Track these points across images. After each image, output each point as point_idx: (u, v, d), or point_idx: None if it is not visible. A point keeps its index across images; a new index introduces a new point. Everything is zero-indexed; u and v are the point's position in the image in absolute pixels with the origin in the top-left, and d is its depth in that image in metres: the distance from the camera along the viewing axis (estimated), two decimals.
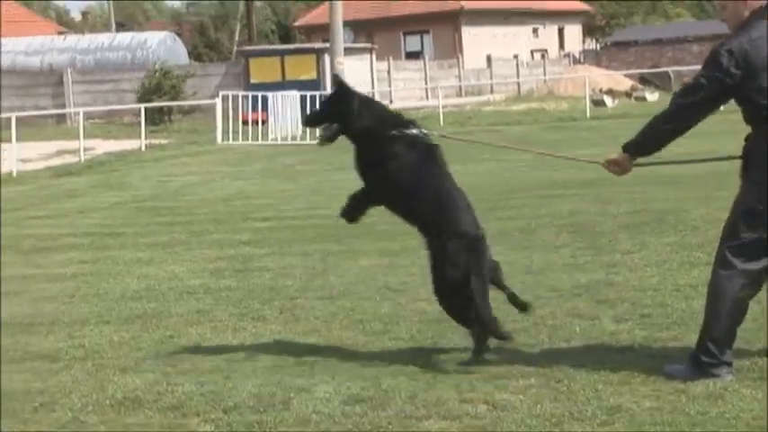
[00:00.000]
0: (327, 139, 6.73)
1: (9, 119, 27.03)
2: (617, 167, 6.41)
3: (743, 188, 5.94)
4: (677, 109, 6.05)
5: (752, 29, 5.85)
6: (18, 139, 25.28)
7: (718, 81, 5.83)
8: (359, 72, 41.86)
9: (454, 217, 6.46)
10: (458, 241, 6.35)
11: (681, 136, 6.09)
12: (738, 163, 6.01)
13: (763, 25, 5.84)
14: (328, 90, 36.93)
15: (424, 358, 6.52)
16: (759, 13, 5.89)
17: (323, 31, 45.89)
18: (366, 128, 6.59)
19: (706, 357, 5.80)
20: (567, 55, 63.53)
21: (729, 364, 5.81)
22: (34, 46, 50.10)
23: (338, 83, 6.94)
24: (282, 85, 38.17)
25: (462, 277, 6.28)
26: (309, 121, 7.16)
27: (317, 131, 6.89)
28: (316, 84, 38.85)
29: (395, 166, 6.54)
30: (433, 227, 6.47)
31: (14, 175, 23.66)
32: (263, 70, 41.73)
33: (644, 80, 52.20)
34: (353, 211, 6.78)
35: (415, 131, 6.63)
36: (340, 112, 6.65)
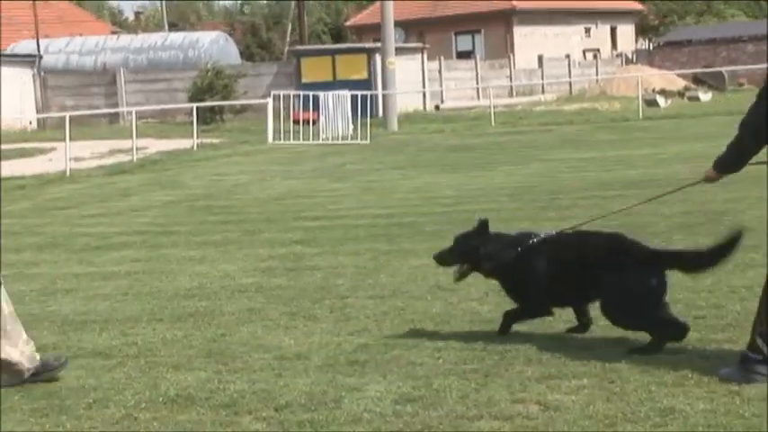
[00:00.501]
0: (462, 277, 7.25)
1: (63, 118, 27.29)
2: (711, 180, 6.69)
3: None
4: (747, 132, 6.09)
5: None
6: (71, 138, 25.49)
7: None
8: (410, 72, 41.92)
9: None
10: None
11: (759, 151, 6.16)
12: None
13: None
14: (380, 90, 37.05)
15: (475, 358, 6.51)
16: None
17: (374, 30, 45.90)
18: (495, 263, 7.02)
19: (754, 354, 5.78)
20: (620, 55, 63.18)
21: None
22: (88, 46, 50.52)
23: (482, 225, 7.17)
24: (333, 84, 38.29)
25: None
26: (440, 260, 7.34)
27: None
28: (367, 83, 38.97)
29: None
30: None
31: (68, 173, 23.86)
32: (314, 70, 41.87)
33: (697, 80, 51.86)
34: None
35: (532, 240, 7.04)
36: (470, 253, 7.11)
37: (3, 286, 6.74)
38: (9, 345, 6.52)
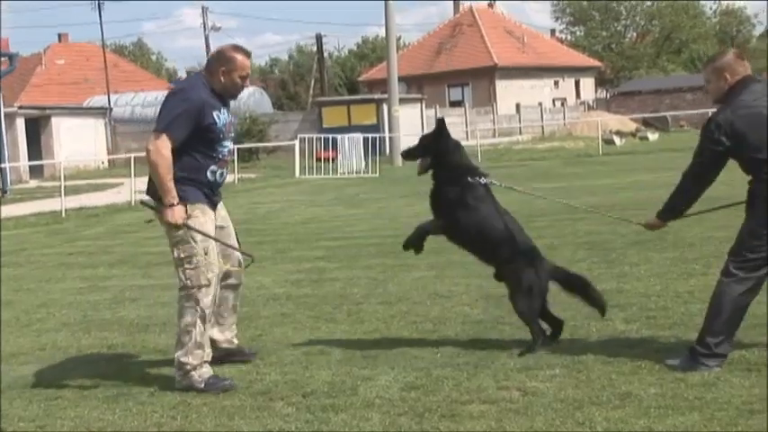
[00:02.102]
0: (424, 170, 6.78)
1: (129, 158, 27.34)
2: (653, 228, 6.63)
3: (748, 219, 5.94)
4: (690, 178, 6.09)
5: (733, 102, 5.84)
6: (136, 175, 25.55)
7: (711, 150, 5.84)
8: (411, 118, 41.96)
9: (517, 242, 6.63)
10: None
11: (701, 195, 6.12)
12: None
13: (744, 96, 5.83)
14: (387, 133, 37.12)
15: (467, 353, 6.48)
16: (738, 88, 5.87)
17: (382, 84, 46.04)
18: (453, 168, 6.64)
19: (702, 349, 5.74)
20: (583, 102, 63.31)
21: (720, 356, 5.75)
22: (149, 99, 50.70)
23: (439, 124, 6.82)
24: (349, 128, 38.35)
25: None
26: (407, 154, 7.00)
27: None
28: (376, 128, 39.04)
29: (471, 208, 6.57)
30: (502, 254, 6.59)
31: (133, 203, 23.89)
32: (333, 117, 42.02)
33: (646, 123, 51.89)
34: (419, 241, 6.71)
35: (485, 181, 6.69)
36: (435, 149, 6.71)
37: (240, 288, 6.78)
38: (219, 329, 6.56)
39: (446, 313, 7.83)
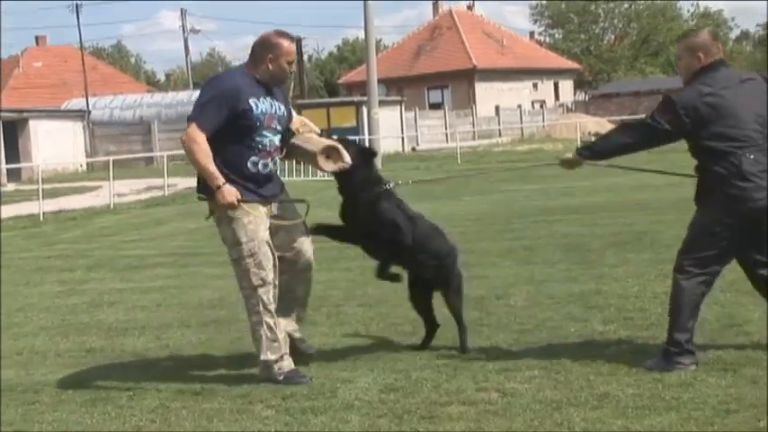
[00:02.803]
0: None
1: (107, 161, 27.25)
2: (570, 164, 6.49)
3: (699, 214, 5.89)
4: (630, 134, 6.08)
5: (702, 82, 5.78)
6: (114, 178, 25.47)
7: (665, 128, 5.80)
8: (391, 120, 42.00)
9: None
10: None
11: (623, 154, 6.13)
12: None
13: (713, 81, 5.76)
14: (366, 135, 37.15)
15: (445, 355, 6.49)
16: (709, 69, 5.81)
17: (361, 86, 46.03)
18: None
19: (674, 348, 5.77)
20: (562, 105, 63.56)
21: (693, 353, 5.78)
22: (128, 102, 50.63)
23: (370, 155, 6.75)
24: (329, 131, 38.31)
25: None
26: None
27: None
28: (356, 130, 39.13)
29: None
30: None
31: (112, 206, 23.81)
32: (313, 119, 41.41)
33: None
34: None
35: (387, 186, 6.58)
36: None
37: (309, 274, 6.54)
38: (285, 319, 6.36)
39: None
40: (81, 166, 42.67)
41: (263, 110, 6.04)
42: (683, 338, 5.77)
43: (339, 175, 6.39)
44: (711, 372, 5.63)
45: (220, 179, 5.92)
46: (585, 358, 6.08)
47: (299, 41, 67.40)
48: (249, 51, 6.20)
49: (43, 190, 23.40)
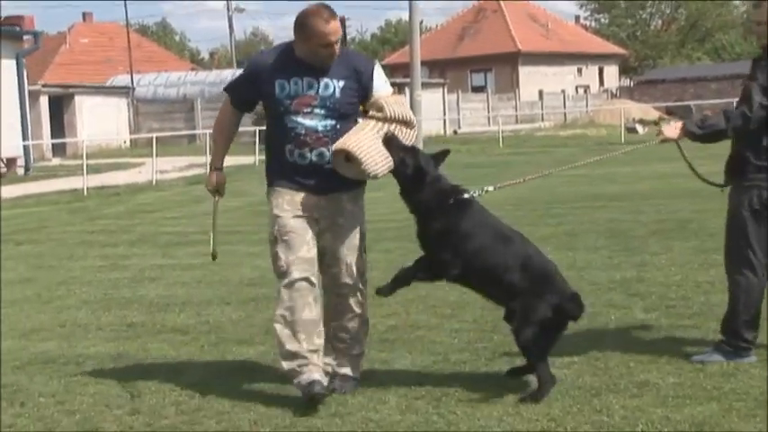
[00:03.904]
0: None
1: (151, 138, 27.44)
2: (668, 137, 5.80)
3: (739, 193, 5.73)
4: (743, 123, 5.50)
5: None
6: (158, 155, 25.64)
7: None
8: (433, 102, 41.89)
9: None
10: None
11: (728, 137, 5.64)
12: None
13: None
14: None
15: (484, 338, 6.48)
16: None
17: (404, 68, 45.84)
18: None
19: (743, 343, 5.66)
20: (606, 90, 63.04)
21: (754, 348, 5.70)
22: (171, 80, 50.77)
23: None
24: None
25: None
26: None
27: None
28: None
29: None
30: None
31: (154, 183, 23.98)
32: None
33: (669, 112, 51.54)
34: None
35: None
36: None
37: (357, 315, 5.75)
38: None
39: (464, 298, 7.79)
40: (124, 142, 43.01)
41: (291, 92, 5.33)
42: (746, 332, 5.68)
43: (401, 191, 5.50)
44: (754, 362, 5.58)
45: (216, 162, 5.81)
46: (626, 346, 6.05)
47: (342, 20, 67.50)
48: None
49: (87, 165, 23.62)
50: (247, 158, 30.45)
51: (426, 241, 5.39)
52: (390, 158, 5.27)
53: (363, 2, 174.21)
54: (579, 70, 63.26)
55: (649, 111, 50.02)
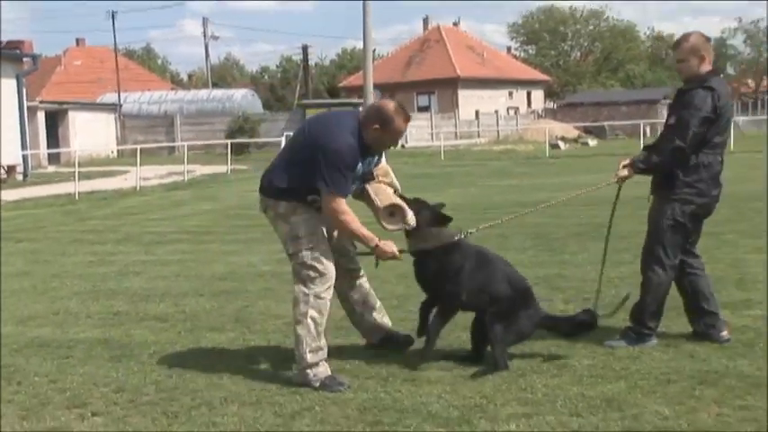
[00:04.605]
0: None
1: (135, 149, 27.16)
2: (622, 181, 5.91)
3: (664, 203, 5.76)
4: (681, 149, 5.53)
5: (713, 82, 5.57)
6: (141, 164, 25.38)
7: (707, 117, 5.50)
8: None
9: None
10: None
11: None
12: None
13: (720, 82, 5.62)
14: None
15: None
16: (714, 73, 5.68)
17: (358, 90, 45.93)
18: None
19: (646, 330, 5.76)
20: (533, 111, 63.51)
21: (656, 335, 5.82)
22: (154, 98, 50.43)
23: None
24: None
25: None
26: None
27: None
28: None
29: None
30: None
31: (138, 189, 23.73)
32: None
33: (587, 131, 52.08)
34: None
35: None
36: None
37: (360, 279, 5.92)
38: (375, 313, 5.96)
39: (410, 291, 7.80)
40: (112, 152, 42.57)
41: (360, 170, 5.37)
42: (651, 322, 5.79)
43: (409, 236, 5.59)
44: (656, 346, 5.66)
45: (375, 239, 5.38)
46: (548, 333, 6.07)
47: (305, 49, 67.34)
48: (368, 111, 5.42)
49: (79, 172, 23.33)
50: (221, 168, 30.28)
51: (435, 281, 5.54)
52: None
53: (323, 32, 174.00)
54: (510, 94, 63.65)
55: (570, 129, 50.50)
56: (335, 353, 5.82)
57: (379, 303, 6.01)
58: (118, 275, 9.68)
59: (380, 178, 5.61)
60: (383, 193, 5.48)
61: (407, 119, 5.34)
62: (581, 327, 5.69)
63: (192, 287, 8.71)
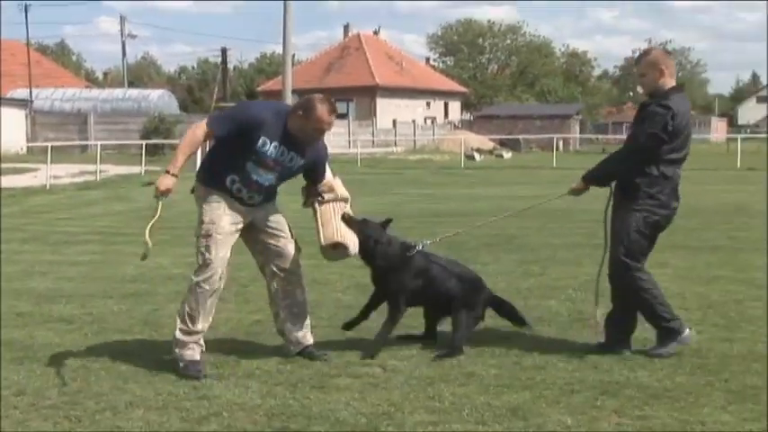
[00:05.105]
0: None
1: (46, 147, 26.49)
2: (577, 191, 5.90)
3: (628, 214, 5.71)
4: (629, 157, 5.64)
5: (673, 99, 5.59)
6: (52, 162, 24.77)
7: (659, 136, 5.55)
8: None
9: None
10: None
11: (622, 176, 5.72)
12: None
13: (680, 99, 5.64)
14: None
15: (337, 333, 6.49)
16: (677, 90, 5.69)
17: (278, 95, 45.67)
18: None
19: (669, 324, 5.73)
20: (450, 122, 64.18)
21: (682, 326, 5.77)
22: (67, 95, 49.36)
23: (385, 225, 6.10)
24: None
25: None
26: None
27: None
28: None
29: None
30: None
31: (48, 187, 23.16)
32: None
33: (502, 143, 52.89)
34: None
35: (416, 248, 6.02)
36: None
37: (300, 279, 5.93)
38: (291, 325, 5.85)
39: (322, 298, 7.83)
40: (21, 149, 41.42)
41: (270, 153, 5.47)
42: (669, 322, 5.74)
43: (363, 256, 5.89)
44: (560, 357, 5.76)
45: (173, 168, 5.50)
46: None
47: (224, 51, 66.70)
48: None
49: None
50: (135, 168, 29.76)
51: (389, 289, 5.95)
52: (354, 235, 5.76)
53: (243, 35, 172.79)
54: (428, 104, 64.22)
55: (486, 141, 51.19)
56: (244, 356, 5.78)
57: (308, 321, 5.95)
58: (23, 275, 9.42)
59: (326, 196, 5.82)
60: (328, 227, 5.72)
61: (332, 110, 5.46)
62: (516, 318, 6.34)
63: (100, 289, 8.53)
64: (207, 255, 5.55)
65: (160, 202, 5.64)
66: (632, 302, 5.82)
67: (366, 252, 5.87)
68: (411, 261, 5.95)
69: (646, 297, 5.76)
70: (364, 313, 6.13)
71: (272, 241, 5.82)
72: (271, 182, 5.63)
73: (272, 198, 5.87)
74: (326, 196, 5.85)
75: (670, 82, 5.72)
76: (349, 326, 6.16)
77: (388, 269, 5.90)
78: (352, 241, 5.74)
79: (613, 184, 5.87)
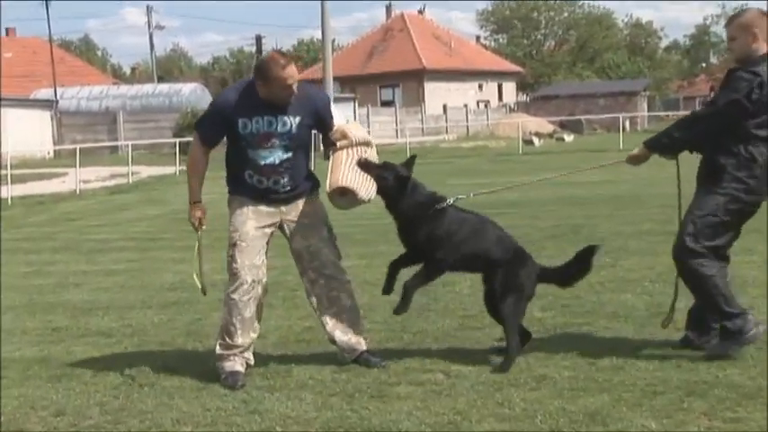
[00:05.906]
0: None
1: (74, 149, 26.90)
2: (637, 159, 5.79)
3: (709, 195, 5.54)
4: (703, 123, 5.49)
5: (765, 68, 5.38)
6: (81, 165, 25.14)
7: (743, 105, 5.34)
8: (344, 117, 41.87)
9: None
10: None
11: (694, 146, 5.58)
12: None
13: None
14: None
15: (395, 338, 6.49)
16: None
17: (318, 83, 45.91)
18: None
19: (734, 318, 5.55)
20: (505, 105, 63.95)
21: (746, 324, 5.57)
22: (94, 93, 50.00)
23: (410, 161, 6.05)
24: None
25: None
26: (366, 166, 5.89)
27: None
28: None
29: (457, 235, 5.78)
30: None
31: (78, 192, 23.51)
32: None
33: (563, 125, 52.51)
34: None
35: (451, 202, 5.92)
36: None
37: (345, 284, 5.98)
38: (340, 331, 5.85)
39: (375, 301, 7.80)
40: (48, 153, 42.13)
41: (253, 129, 5.59)
42: (734, 314, 5.55)
43: (387, 204, 5.77)
44: (640, 356, 5.69)
45: (192, 196, 5.94)
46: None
47: (258, 39, 67.07)
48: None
49: (11, 175, 23.04)
50: (168, 169, 30.09)
51: (420, 245, 5.70)
52: (373, 180, 5.61)
53: (279, 21, 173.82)
54: (480, 86, 64.02)
55: (544, 124, 50.86)
56: (296, 366, 5.80)
57: (361, 325, 5.98)
58: (56, 287, 9.57)
59: (340, 143, 5.76)
60: (335, 173, 5.63)
61: (286, 64, 5.51)
62: (578, 273, 6.08)
63: (138, 299, 8.63)
64: (233, 265, 5.73)
65: (199, 232, 5.96)
66: (691, 291, 5.70)
67: (387, 198, 5.72)
68: (442, 214, 5.72)
69: (707, 286, 5.57)
70: (392, 274, 5.86)
71: (304, 243, 5.88)
72: (282, 158, 5.67)
73: (306, 185, 5.85)
74: (340, 143, 5.78)
75: (764, 47, 5.48)
76: (387, 291, 5.88)
77: (413, 219, 5.66)
78: (363, 186, 5.58)
79: (686, 160, 5.70)
